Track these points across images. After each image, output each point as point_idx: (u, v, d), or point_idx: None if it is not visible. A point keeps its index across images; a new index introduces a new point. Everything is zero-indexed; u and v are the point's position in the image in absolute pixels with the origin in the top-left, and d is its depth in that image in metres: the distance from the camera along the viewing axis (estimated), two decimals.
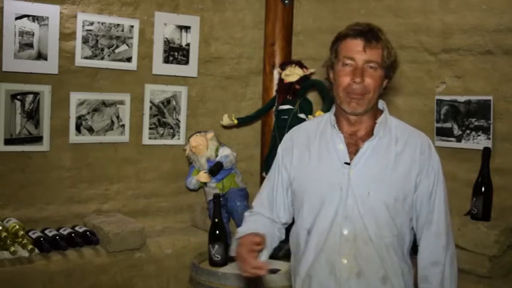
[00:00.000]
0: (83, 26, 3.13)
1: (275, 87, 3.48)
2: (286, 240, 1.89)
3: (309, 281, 1.73)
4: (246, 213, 1.94)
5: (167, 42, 3.41)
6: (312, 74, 3.30)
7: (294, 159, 1.80)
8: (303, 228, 1.75)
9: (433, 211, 1.70)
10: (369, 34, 1.64)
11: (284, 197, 1.86)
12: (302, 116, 3.16)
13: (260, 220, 1.86)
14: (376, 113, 1.76)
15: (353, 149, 1.71)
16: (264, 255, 1.72)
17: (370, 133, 1.72)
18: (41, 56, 3.02)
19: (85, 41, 3.15)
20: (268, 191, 1.89)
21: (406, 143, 1.71)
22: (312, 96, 3.40)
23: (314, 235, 1.71)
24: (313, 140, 1.79)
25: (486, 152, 2.69)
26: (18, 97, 3.01)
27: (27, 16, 2.96)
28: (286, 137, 1.90)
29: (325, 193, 1.70)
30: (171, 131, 3.52)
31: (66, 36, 3.10)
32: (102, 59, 3.22)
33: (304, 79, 3.24)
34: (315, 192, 1.73)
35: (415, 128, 1.79)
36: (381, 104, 1.80)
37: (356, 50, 1.64)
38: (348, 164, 1.68)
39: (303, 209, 1.76)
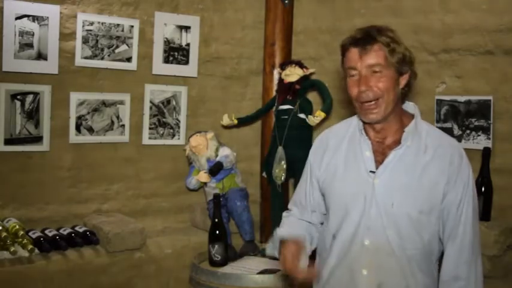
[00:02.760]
0: (83, 26, 3.13)
1: (275, 87, 3.48)
2: None
3: (329, 286, 1.72)
4: (284, 214, 1.94)
5: (167, 42, 3.41)
6: (312, 74, 3.30)
7: (324, 162, 1.78)
8: (329, 232, 1.74)
9: (459, 225, 1.63)
10: (362, 40, 1.60)
11: (318, 199, 1.84)
12: (302, 116, 3.16)
13: (297, 223, 1.86)
14: (402, 117, 1.70)
15: (380, 157, 1.67)
16: (304, 262, 1.71)
17: (398, 141, 1.67)
18: (41, 56, 3.02)
19: (85, 41, 3.15)
20: (302, 193, 1.88)
21: (435, 152, 1.65)
22: (312, 96, 3.40)
23: (338, 241, 1.70)
24: (342, 144, 1.76)
25: (486, 152, 2.69)
26: (18, 97, 3.01)
27: (27, 16, 2.96)
28: (317, 140, 1.88)
29: (349, 201, 1.67)
30: (171, 131, 3.52)
31: (66, 36, 3.10)
32: (102, 59, 3.22)
33: (304, 79, 3.24)
34: (339, 199, 1.71)
35: (445, 135, 1.73)
36: (412, 108, 1.75)
37: (354, 59, 1.62)
38: (373, 172, 1.65)
39: (330, 213, 1.75)
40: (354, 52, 1.62)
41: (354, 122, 1.79)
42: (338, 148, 1.76)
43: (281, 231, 1.80)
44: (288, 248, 1.67)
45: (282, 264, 1.67)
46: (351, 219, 1.66)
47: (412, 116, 1.73)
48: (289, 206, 1.95)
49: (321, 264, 1.78)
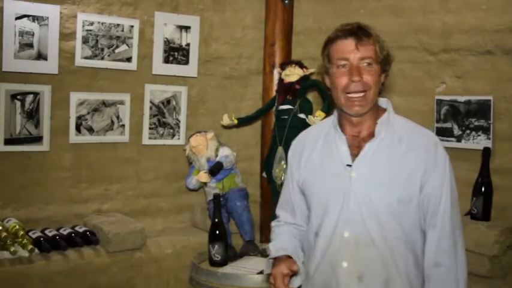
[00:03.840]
0: (83, 26, 3.13)
1: (275, 87, 3.48)
2: None
3: (314, 281, 1.73)
4: (273, 224, 1.95)
5: (167, 42, 3.41)
6: (312, 74, 3.30)
7: (302, 163, 1.80)
8: (312, 230, 1.76)
9: (438, 212, 1.65)
10: (359, 32, 1.64)
11: (300, 200, 1.85)
12: (302, 116, 3.16)
13: (287, 232, 1.86)
14: (377, 111, 1.74)
15: (356, 151, 1.69)
16: (297, 282, 1.72)
17: (372, 134, 1.69)
18: (41, 56, 3.02)
19: (85, 41, 3.15)
20: (287, 197, 1.89)
21: (410, 143, 1.67)
22: (312, 96, 3.40)
23: (321, 238, 1.71)
24: (319, 142, 1.79)
25: (486, 152, 2.69)
26: (18, 97, 3.01)
27: (27, 16, 2.96)
28: (295, 141, 1.90)
29: (329, 196, 1.69)
30: (171, 131, 3.52)
31: (66, 36, 3.10)
32: (102, 59, 3.22)
33: (304, 79, 3.24)
34: (319, 196, 1.73)
35: (419, 127, 1.75)
36: (385, 103, 1.78)
37: (348, 49, 1.64)
38: (350, 166, 1.67)
39: (311, 212, 1.77)
40: (348, 43, 1.64)
41: (330, 120, 1.82)
42: (314, 147, 1.79)
43: (273, 246, 1.80)
44: (278, 268, 1.67)
45: (272, 284, 1.67)
46: (331, 214, 1.68)
47: (385, 110, 1.76)
48: (277, 211, 1.95)
49: (307, 265, 1.79)
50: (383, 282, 1.63)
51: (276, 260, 1.73)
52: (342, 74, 1.65)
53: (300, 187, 1.82)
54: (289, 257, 1.73)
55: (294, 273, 1.69)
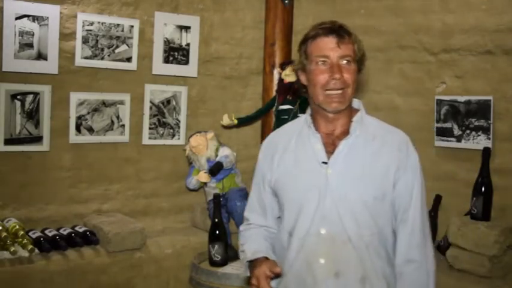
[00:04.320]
0: (83, 26, 3.13)
1: (275, 87, 3.48)
2: None
3: (288, 279, 1.73)
4: (241, 228, 1.93)
5: (167, 42, 3.41)
6: None
7: (275, 163, 1.80)
8: (285, 230, 1.76)
9: (409, 209, 1.69)
10: (341, 30, 1.66)
11: (272, 202, 1.85)
12: (302, 116, 3.16)
13: (258, 234, 1.85)
14: (351, 111, 1.76)
15: (330, 148, 1.71)
16: (275, 283, 1.72)
17: (346, 132, 1.72)
18: (41, 56, 3.02)
19: (85, 41, 3.15)
20: (257, 199, 1.89)
21: (383, 141, 1.71)
22: None
23: (295, 236, 1.71)
24: (291, 142, 1.79)
25: (486, 152, 2.69)
26: (18, 97, 3.01)
27: (27, 16, 2.96)
28: (265, 142, 1.90)
29: (304, 195, 1.70)
30: (171, 131, 3.52)
31: (66, 36, 3.10)
32: (102, 59, 3.22)
33: None
34: (294, 195, 1.73)
35: (391, 126, 1.79)
36: (357, 103, 1.80)
37: (329, 47, 1.65)
38: (326, 163, 1.68)
39: (285, 211, 1.77)
40: (328, 41, 1.66)
41: (302, 119, 1.84)
42: (287, 146, 1.79)
43: (249, 249, 1.79)
44: (261, 269, 1.66)
45: (255, 286, 1.66)
46: (307, 212, 1.68)
47: (357, 110, 1.79)
48: (246, 214, 1.94)
49: (281, 262, 1.77)
50: (360, 279, 1.65)
51: (255, 262, 1.72)
52: (321, 71, 1.67)
53: (273, 188, 1.82)
54: (267, 258, 1.73)
55: (276, 275, 1.67)
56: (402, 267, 1.70)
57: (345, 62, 1.66)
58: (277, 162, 1.79)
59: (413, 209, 1.69)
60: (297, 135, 1.80)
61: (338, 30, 1.66)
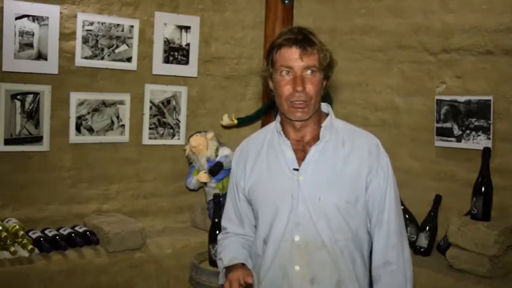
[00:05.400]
0: (83, 26, 3.13)
1: None
2: None
3: (263, 286, 1.74)
4: (219, 237, 1.95)
5: (167, 42, 3.41)
6: None
7: (248, 171, 1.81)
8: (260, 238, 1.76)
9: (383, 211, 1.70)
10: (304, 42, 1.65)
11: (246, 210, 1.86)
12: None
13: (236, 242, 1.86)
14: (320, 116, 1.77)
15: (301, 154, 1.72)
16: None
17: (316, 137, 1.73)
18: (41, 56, 3.02)
19: (85, 41, 3.15)
20: (233, 208, 1.89)
21: (353, 145, 1.72)
22: None
23: (270, 244, 1.72)
24: (262, 150, 1.80)
25: (486, 152, 2.69)
26: (18, 97, 3.01)
27: (27, 16, 2.96)
28: (237, 151, 1.91)
29: (277, 201, 1.71)
30: (171, 131, 3.52)
31: (66, 36, 3.10)
32: (102, 59, 3.22)
33: None
34: (267, 202, 1.74)
35: (361, 129, 1.81)
36: (326, 108, 1.81)
37: (293, 58, 1.65)
38: (297, 170, 1.69)
39: (259, 219, 1.77)
40: (292, 52, 1.66)
41: (271, 126, 1.85)
42: (259, 154, 1.80)
43: (226, 257, 1.80)
44: (235, 274, 1.68)
45: None
46: (280, 219, 1.69)
47: (326, 115, 1.79)
48: (223, 223, 1.96)
49: (257, 269, 1.79)
50: (335, 284, 1.66)
51: (232, 267, 1.74)
52: (286, 82, 1.67)
53: (247, 196, 1.83)
54: (243, 264, 1.74)
55: (248, 286, 1.66)
56: (379, 269, 1.70)
57: (309, 72, 1.66)
58: (250, 170, 1.80)
59: (388, 211, 1.70)
60: (268, 143, 1.80)
61: (301, 42, 1.65)
